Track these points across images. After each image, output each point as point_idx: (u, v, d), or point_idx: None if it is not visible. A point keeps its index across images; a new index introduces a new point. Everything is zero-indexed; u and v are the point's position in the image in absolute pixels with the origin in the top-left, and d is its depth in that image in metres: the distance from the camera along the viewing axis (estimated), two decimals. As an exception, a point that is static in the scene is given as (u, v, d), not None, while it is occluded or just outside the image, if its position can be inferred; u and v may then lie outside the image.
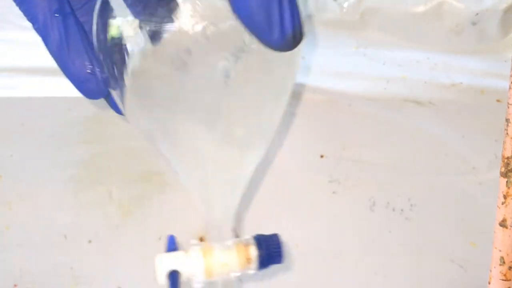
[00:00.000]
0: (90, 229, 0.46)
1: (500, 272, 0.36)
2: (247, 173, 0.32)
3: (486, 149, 0.44)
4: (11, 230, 0.46)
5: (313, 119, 0.45)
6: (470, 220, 0.45)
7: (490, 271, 0.37)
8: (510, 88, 0.36)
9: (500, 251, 0.36)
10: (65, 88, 0.45)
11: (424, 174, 0.45)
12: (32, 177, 0.45)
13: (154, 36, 0.26)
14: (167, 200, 0.46)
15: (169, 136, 0.30)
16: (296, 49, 0.28)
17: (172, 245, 0.32)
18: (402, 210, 0.46)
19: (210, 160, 0.30)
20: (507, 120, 0.36)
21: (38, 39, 0.44)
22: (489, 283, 0.37)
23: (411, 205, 0.46)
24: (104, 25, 0.27)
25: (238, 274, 0.33)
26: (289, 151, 0.45)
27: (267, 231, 0.46)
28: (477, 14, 0.42)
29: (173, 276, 0.30)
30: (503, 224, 0.36)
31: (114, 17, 0.27)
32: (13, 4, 0.44)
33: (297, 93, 0.44)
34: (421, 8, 0.42)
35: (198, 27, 0.25)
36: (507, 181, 0.36)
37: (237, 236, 0.34)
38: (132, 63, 0.27)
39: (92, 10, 0.28)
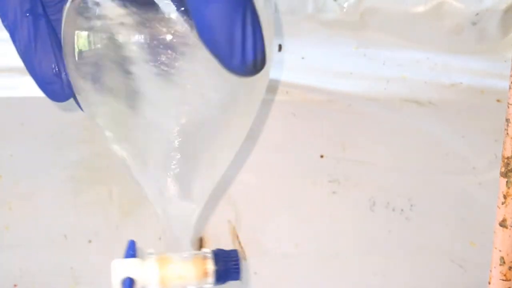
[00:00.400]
0: (90, 229, 0.46)
1: (500, 272, 0.36)
2: (208, 186, 0.32)
3: (486, 149, 0.44)
4: (11, 230, 0.46)
5: (313, 119, 0.45)
6: (470, 220, 0.45)
7: (490, 271, 0.37)
8: (510, 88, 0.36)
9: (500, 251, 0.36)
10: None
11: (424, 174, 0.45)
12: (32, 177, 0.45)
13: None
14: (167, 200, 0.46)
15: (128, 143, 0.30)
16: (260, 75, 0.28)
17: (130, 251, 0.31)
18: (402, 210, 0.46)
19: (168, 171, 0.30)
20: (507, 120, 0.36)
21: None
22: (489, 283, 0.37)
23: (411, 205, 0.46)
24: (72, 33, 0.27)
25: (193, 286, 0.32)
26: (289, 151, 0.45)
27: (267, 231, 0.46)
28: (477, 14, 0.42)
29: (127, 283, 0.30)
30: (503, 224, 0.36)
31: (87, 20, 0.27)
32: (13, 4, 0.44)
33: (297, 93, 0.44)
34: (421, 8, 0.42)
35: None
36: (507, 181, 0.36)
37: (200, 246, 0.33)
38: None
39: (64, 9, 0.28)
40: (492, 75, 0.44)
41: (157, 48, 0.25)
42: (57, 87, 0.28)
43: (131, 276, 0.30)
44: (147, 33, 0.25)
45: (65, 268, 0.46)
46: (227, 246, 0.34)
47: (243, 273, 0.32)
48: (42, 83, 0.28)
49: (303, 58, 0.44)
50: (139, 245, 0.45)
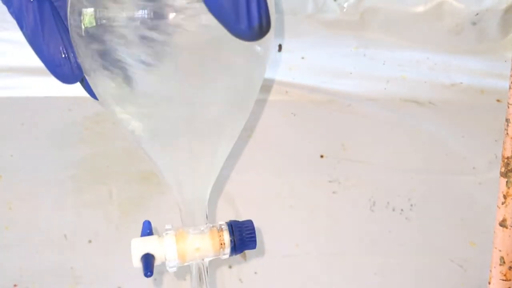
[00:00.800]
0: (90, 229, 0.46)
1: (500, 272, 0.36)
2: (219, 162, 0.32)
3: (486, 149, 0.44)
4: (11, 230, 0.46)
5: (313, 119, 0.45)
6: (470, 220, 0.45)
7: (490, 271, 0.37)
8: (510, 88, 0.36)
9: (500, 251, 0.36)
10: (65, 88, 0.45)
11: (424, 174, 0.45)
12: (32, 177, 0.45)
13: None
14: (167, 200, 0.46)
15: (143, 123, 0.30)
16: (265, 43, 0.28)
17: (146, 230, 0.33)
18: (402, 210, 0.46)
19: (183, 148, 0.30)
20: (507, 120, 0.36)
21: (38, 39, 0.44)
22: (489, 283, 0.37)
23: (411, 205, 0.46)
24: (78, 11, 0.27)
25: (211, 258, 0.33)
26: (289, 151, 0.45)
27: (267, 231, 0.46)
28: (477, 14, 0.42)
29: (147, 259, 0.31)
30: (503, 224, 0.36)
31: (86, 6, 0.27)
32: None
33: (297, 93, 0.44)
34: (421, 8, 0.42)
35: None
36: (507, 181, 0.36)
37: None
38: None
39: None
40: (492, 75, 0.44)
41: (160, 22, 0.25)
42: (67, 69, 0.29)
43: (150, 252, 0.31)
44: (151, 7, 0.25)
45: (65, 268, 0.46)
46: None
47: (257, 243, 0.33)
48: (52, 66, 0.29)
49: (303, 58, 0.44)
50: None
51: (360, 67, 0.44)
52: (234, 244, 0.32)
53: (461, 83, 0.44)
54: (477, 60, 0.44)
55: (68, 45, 0.28)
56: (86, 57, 0.28)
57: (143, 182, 0.46)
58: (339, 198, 0.46)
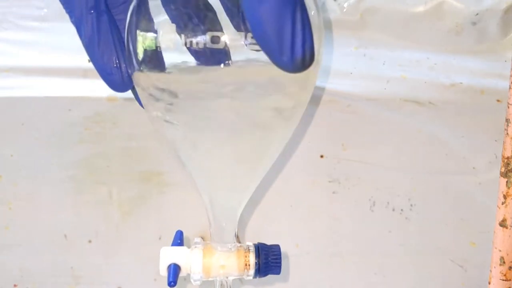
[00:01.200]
0: (90, 229, 0.46)
1: (500, 272, 0.36)
2: (255, 183, 0.33)
3: (486, 149, 0.44)
4: (11, 230, 0.46)
5: (313, 119, 0.45)
6: (470, 220, 0.45)
7: (490, 271, 0.37)
8: (510, 88, 0.36)
9: (500, 251, 0.36)
10: (65, 88, 0.45)
11: (424, 174, 0.45)
12: (32, 177, 0.45)
13: (190, 46, 0.27)
14: (167, 200, 0.46)
15: (187, 142, 0.30)
16: (310, 77, 0.29)
17: (177, 240, 0.33)
18: (402, 210, 0.46)
19: (221, 167, 0.31)
20: (507, 120, 0.36)
21: (38, 39, 0.44)
22: (489, 283, 0.37)
23: (411, 205, 0.46)
24: (136, 27, 0.29)
25: (235, 277, 0.33)
26: (289, 151, 0.45)
27: (267, 231, 0.46)
28: (477, 14, 0.42)
29: (173, 269, 0.31)
30: (503, 224, 0.36)
31: (149, 22, 0.28)
32: (13, 4, 0.44)
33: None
34: (421, 8, 0.42)
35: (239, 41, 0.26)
36: (507, 181, 0.36)
37: (238, 240, 0.34)
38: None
39: (128, 10, 0.30)
40: (492, 75, 0.44)
41: (211, 50, 0.27)
42: (117, 78, 0.30)
43: (177, 262, 0.31)
44: (202, 35, 0.26)
45: (65, 268, 0.46)
46: (227, 246, 0.35)
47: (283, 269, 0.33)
48: (104, 74, 0.30)
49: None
50: (139, 245, 0.45)
51: (360, 67, 0.44)
52: (259, 267, 0.33)
53: (461, 83, 0.44)
54: (477, 60, 0.44)
55: (121, 56, 0.30)
56: (139, 73, 0.29)
57: (143, 182, 0.46)
58: (339, 198, 0.46)
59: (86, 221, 0.46)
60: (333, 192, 0.46)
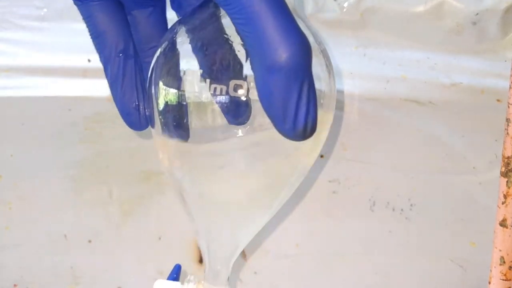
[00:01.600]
0: (90, 229, 0.46)
1: (500, 272, 0.36)
2: (254, 232, 0.33)
3: (486, 149, 0.44)
4: (11, 230, 0.46)
5: (313, 119, 0.45)
6: (470, 220, 0.45)
7: (490, 271, 0.37)
8: (510, 88, 0.36)
9: (500, 251, 0.36)
10: (65, 88, 0.45)
11: (424, 174, 0.45)
12: (32, 177, 0.45)
13: (214, 92, 0.28)
14: (167, 200, 0.46)
15: (193, 186, 0.31)
16: (315, 142, 0.30)
17: (174, 274, 0.35)
18: (402, 210, 0.46)
19: (220, 213, 0.32)
20: (507, 120, 0.36)
21: (38, 39, 0.44)
22: (489, 283, 0.37)
23: (411, 205, 0.46)
24: (160, 77, 0.30)
25: None
26: (289, 151, 0.45)
27: (266, 231, 0.46)
28: (477, 14, 0.42)
29: None
30: (503, 224, 0.36)
31: (174, 73, 0.29)
32: (13, 4, 0.45)
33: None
34: (421, 8, 0.42)
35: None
36: (507, 181, 0.36)
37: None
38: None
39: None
40: (492, 75, 0.44)
41: (232, 99, 0.28)
42: (135, 119, 0.32)
43: None
44: (226, 82, 0.28)
45: (65, 268, 0.46)
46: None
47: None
48: (123, 113, 0.32)
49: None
50: (139, 245, 0.46)
51: (360, 67, 0.44)
52: None
53: (461, 83, 0.44)
54: (477, 60, 0.44)
55: (141, 99, 0.32)
56: (158, 119, 0.30)
57: (143, 182, 0.46)
58: (339, 198, 0.46)
59: (86, 221, 0.46)
60: (333, 192, 0.46)
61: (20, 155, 0.45)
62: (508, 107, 0.36)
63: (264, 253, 0.46)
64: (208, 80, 0.28)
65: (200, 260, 0.46)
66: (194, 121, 0.29)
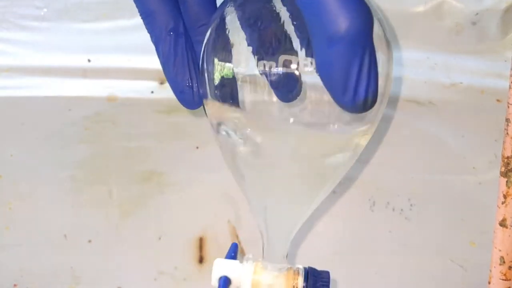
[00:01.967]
0: (90, 229, 0.46)
1: (500, 272, 0.36)
2: (314, 204, 0.33)
3: (486, 149, 0.44)
4: (11, 230, 0.46)
5: (313, 119, 0.45)
6: (470, 220, 0.45)
7: (490, 271, 0.37)
8: (510, 88, 0.36)
9: (500, 251, 0.36)
10: (65, 88, 0.45)
11: (424, 174, 0.45)
12: (32, 177, 0.45)
13: (263, 69, 0.28)
14: (167, 200, 0.46)
15: (250, 156, 0.31)
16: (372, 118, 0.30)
17: (232, 253, 0.34)
18: (402, 210, 0.46)
19: (279, 189, 0.32)
20: (507, 120, 0.36)
21: (38, 39, 0.44)
22: (489, 283, 0.37)
23: (411, 205, 0.46)
24: (214, 54, 0.30)
25: None
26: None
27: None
28: (477, 14, 0.42)
29: (223, 281, 0.32)
30: (503, 224, 0.36)
31: (226, 47, 0.29)
32: (13, 4, 0.45)
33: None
34: (421, 8, 0.42)
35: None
36: (507, 181, 0.36)
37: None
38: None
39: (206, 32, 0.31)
40: (492, 75, 0.44)
41: (282, 74, 0.27)
42: (188, 97, 0.32)
43: (228, 275, 0.33)
44: (275, 57, 0.27)
45: (65, 268, 0.46)
46: (227, 246, 0.34)
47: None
48: (176, 91, 0.32)
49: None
50: (139, 245, 0.45)
51: (360, 67, 0.44)
52: None
53: (461, 83, 0.44)
54: (477, 60, 0.44)
55: (194, 76, 0.32)
56: (211, 95, 0.30)
57: (143, 182, 0.46)
58: (339, 198, 0.46)
59: (86, 221, 0.46)
60: (333, 192, 0.46)
61: (20, 155, 0.45)
62: (508, 107, 0.36)
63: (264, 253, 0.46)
64: (256, 56, 0.27)
65: (200, 260, 0.46)
66: (246, 97, 0.29)
